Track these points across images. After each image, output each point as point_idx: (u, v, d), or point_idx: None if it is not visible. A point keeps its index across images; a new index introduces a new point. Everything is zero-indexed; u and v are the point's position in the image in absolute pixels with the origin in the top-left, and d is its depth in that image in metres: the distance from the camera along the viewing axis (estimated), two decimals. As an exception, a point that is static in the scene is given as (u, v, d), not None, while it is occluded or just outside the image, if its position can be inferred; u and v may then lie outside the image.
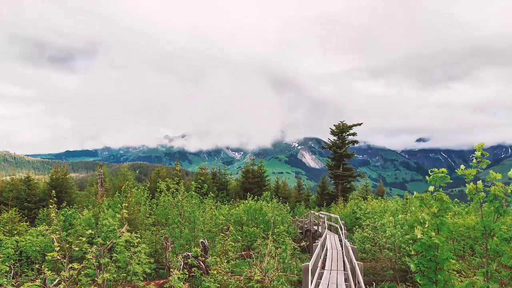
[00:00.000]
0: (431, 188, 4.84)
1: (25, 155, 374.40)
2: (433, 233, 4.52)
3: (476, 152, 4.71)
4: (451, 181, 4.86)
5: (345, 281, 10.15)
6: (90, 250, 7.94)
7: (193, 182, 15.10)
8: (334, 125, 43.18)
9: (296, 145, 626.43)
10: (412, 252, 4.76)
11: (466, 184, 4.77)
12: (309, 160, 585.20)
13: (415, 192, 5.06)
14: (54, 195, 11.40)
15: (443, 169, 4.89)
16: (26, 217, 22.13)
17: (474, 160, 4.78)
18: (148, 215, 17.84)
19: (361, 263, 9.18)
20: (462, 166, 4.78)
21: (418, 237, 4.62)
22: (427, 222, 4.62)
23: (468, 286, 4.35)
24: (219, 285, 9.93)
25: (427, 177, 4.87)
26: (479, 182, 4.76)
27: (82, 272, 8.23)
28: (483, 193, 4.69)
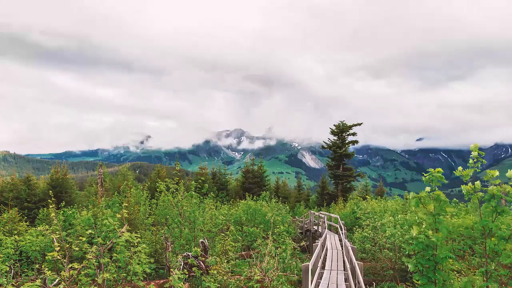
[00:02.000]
0: (427, 188, 4.85)
1: (25, 155, 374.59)
2: (431, 232, 4.53)
3: (472, 153, 4.72)
4: (446, 181, 4.87)
5: (345, 281, 10.15)
6: (90, 250, 7.94)
7: (193, 182, 15.11)
8: (334, 125, 43.19)
9: (296, 145, 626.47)
10: (410, 252, 4.75)
11: (462, 185, 4.78)
12: (309, 160, 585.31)
13: (411, 193, 5.07)
14: (52, 195, 11.41)
15: (439, 169, 4.90)
16: (26, 217, 22.12)
17: (471, 160, 4.79)
18: (148, 215, 17.85)
19: (361, 263, 9.18)
20: (459, 168, 4.79)
21: (413, 235, 4.63)
22: (424, 222, 4.62)
23: (467, 285, 4.36)
24: (219, 285, 9.94)
25: (423, 178, 4.88)
26: (477, 182, 4.77)
27: (82, 272, 8.23)
28: (481, 193, 4.70)
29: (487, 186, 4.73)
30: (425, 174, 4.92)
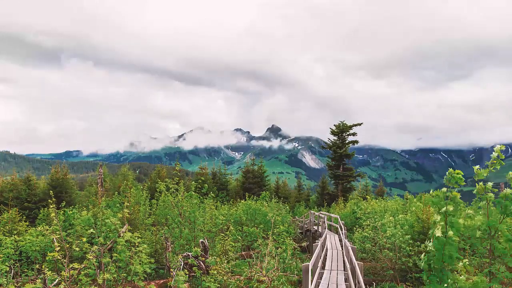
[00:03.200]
0: (444, 189, 4.82)
1: (25, 155, 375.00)
2: (451, 233, 4.51)
3: (494, 153, 4.70)
4: (464, 183, 4.84)
5: (345, 281, 10.14)
6: (91, 250, 7.94)
7: (193, 182, 15.10)
8: (334, 125, 43.20)
9: (296, 145, 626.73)
10: (431, 248, 4.69)
11: (476, 184, 4.76)
12: (309, 160, 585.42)
13: (433, 191, 5.04)
14: (53, 195, 11.39)
15: (459, 171, 4.87)
16: (26, 217, 22.10)
17: (490, 160, 4.77)
18: (148, 215, 17.83)
19: (361, 263, 9.17)
20: (477, 167, 4.77)
21: (437, 235, 4.58)
22: (440, 222, 4.58)
23: (475, 286, 4.33)
24: (219, 285, 9.93)
25: (444, 178, 4.85)
26: (489, 183, 4.75)
27: (82, 272, 8.22)
28: (491, 194, 4.68)
29: (497, 187, 4.69)
30: (447, 174, 4.89)
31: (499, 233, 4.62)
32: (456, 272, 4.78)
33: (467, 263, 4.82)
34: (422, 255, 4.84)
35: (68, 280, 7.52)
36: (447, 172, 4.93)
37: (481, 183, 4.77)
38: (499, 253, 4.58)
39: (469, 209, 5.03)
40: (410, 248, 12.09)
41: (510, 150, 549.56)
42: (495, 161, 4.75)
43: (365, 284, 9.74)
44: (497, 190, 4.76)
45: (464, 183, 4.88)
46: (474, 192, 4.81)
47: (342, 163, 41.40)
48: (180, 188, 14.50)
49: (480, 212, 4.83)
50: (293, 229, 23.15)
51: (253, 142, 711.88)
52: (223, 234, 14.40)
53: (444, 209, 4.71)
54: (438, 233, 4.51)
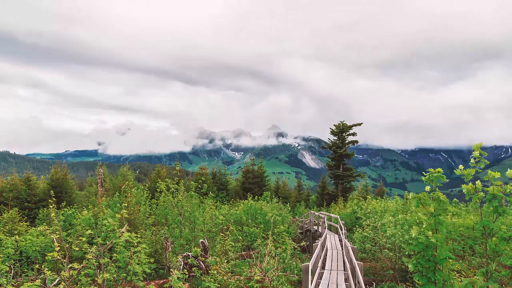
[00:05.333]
0: (427, 188, 4.83)
1: (25, 155, 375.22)
2: (430, 233, 4.51)
3: (474, 152, 4.69)
4: (447, 180, 4.85)
5: (345, 281, 10.15)
6: (90, 250, 7.94)
7: (192, 182, 15.10)
8: (334, 125, 43.17)
9: (296, 145, 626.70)
10: (410, 253, 4.74)
11: (463, 185, 4.76)
12: (309, 160, 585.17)
13: (411, 193, 5.04)
14: (54, 195, 11.40)
15: (439, 169, 4.88)
16: (26, 217, 22.12)
17: (473, 160, 4.76)
18: (148, 215, 17.84)
19: (361, 263, 9.18)
20: (461, 167, 4.76)
21: (413, 236, 4.60)
22: (424, 222, 4.60)
23: (467, 286, 4.35)
24: (219, 285, 9.93)
25: (422, 177, 4.85)
26: (478, 182, 4.74)
27: (82, 272, 8.23)
28: (482, 193, 4.68)
29: (488, 186, 4.70)
30: (425, 174, 4.89)
31: (492, 232, 4.63)
32: (455, 272, 4.79)
33: (466, 263, 4.83)
34: (403, 258, 4.85)
35: (68, 280, 7.52)
36: (424, 172, 4.94)
37: (470, 183, 4.77)
38: (491, 253, 4.60)
39: (456, 208, 5.07)
40: (407, 248, 12.08)
41: (510, 150, 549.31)
42: (478, 160, 4.74)
43: (365, 284, 9.76)
44: (487, 189, 4.76)
45: (447, 180, 4.87)
46: (464, 191, 4.81)
47: (342, 163, 41.40)
48: (180, 188, 14.50)
49: (478, 212, 4.84)
50: (293, 229, 23.16)
51: (253, 142, 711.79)
52: (223, 234, 14.40)
53: (429, 209, 4.72)
54: (414, 233, 4.52)
